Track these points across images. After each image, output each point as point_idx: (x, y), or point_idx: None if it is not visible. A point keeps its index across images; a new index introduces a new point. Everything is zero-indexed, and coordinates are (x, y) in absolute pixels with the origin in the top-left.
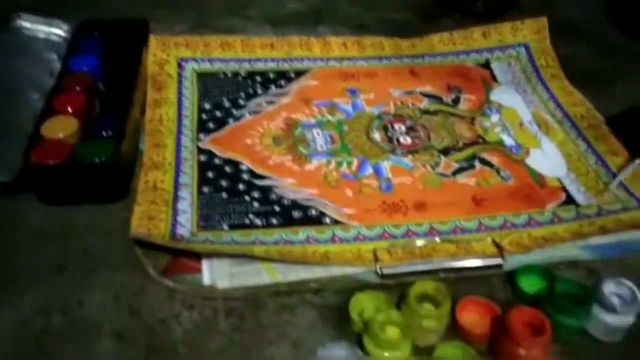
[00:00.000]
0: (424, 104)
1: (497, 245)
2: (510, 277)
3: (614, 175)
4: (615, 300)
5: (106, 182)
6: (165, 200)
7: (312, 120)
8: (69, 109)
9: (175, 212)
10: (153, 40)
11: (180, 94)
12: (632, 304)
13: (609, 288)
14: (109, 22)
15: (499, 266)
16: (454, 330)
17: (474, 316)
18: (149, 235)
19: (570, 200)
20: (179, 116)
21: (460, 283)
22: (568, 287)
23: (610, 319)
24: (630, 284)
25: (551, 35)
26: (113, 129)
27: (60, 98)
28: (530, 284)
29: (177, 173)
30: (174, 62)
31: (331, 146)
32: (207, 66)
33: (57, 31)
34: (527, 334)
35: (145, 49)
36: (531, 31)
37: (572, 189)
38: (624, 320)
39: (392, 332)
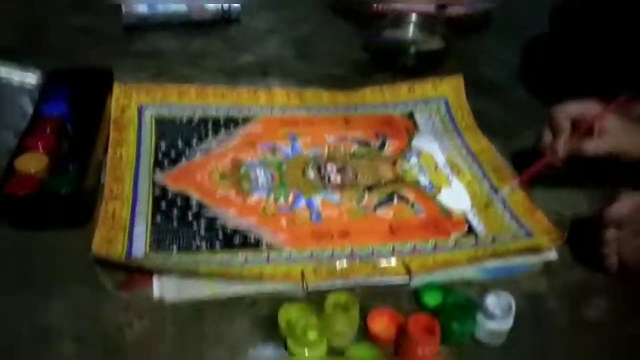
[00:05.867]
0: (354, 148)
1: (406, 266)
2: (416, 292)
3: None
4: (496, 310)
5: (70, 211)
6: (122, 227)
7: (256, 160)
8: (40, 148)
9: (131, 236)
10: (116, 87)
11: (139, 136)
12: (509, 312)
13: (492, 300)
14: (76, 71)
15: (406, 284)
16: (366, 335)
17: (382, 324)
18: (108, 254)
19: (471, 231)
20: (137, 154)
21: (374, 297)
22: (458, 300)
23: (491, 325)
24: (508, 295)
25: (468, 90)
26: (78, 165)
27: (32, 138)
28: (431, 298)
29: (134, 203)
30: (135, 107)
31: (271, 183)
32: (164, 112)
33: (30, 79)
34: (422, 335)
35: (110, 95)
36: (449, 87)
37: (474, 222)
38: (503, 325)
39: (312, 335)
